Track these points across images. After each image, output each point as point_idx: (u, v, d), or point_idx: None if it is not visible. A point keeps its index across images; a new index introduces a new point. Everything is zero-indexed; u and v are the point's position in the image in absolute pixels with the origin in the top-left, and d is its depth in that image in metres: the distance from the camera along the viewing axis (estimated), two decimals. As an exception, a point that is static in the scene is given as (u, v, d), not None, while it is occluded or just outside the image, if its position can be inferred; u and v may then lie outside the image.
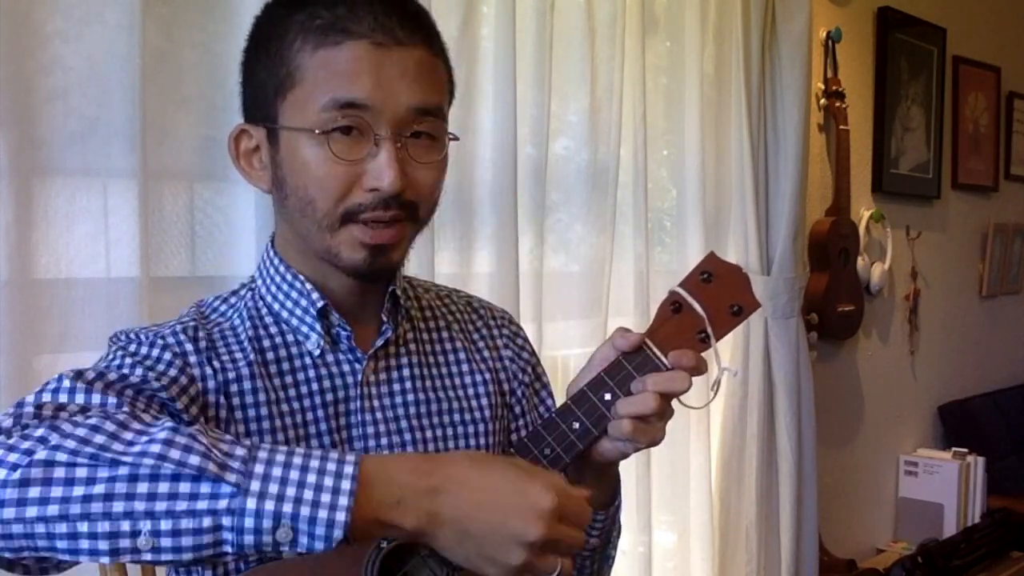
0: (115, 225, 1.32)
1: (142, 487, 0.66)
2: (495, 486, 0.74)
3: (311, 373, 0.93)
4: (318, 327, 0.93)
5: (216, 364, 0.90)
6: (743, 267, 0.95)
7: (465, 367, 1.03)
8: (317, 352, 0.94)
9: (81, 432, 0.69)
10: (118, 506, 0.66)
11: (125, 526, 0.66)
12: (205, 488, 0.67)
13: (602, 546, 1.01)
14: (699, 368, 0.89)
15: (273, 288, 0.95)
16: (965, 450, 3.10)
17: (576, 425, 0.89)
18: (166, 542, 0.66)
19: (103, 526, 0.66)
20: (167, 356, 0.87)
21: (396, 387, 0.97)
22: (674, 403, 0.90)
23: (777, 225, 2.40)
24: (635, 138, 2.05)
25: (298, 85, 0.87)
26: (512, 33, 1.75)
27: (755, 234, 2.34)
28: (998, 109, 3.57)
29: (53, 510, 0.66)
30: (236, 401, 0.89)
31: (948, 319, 3.40)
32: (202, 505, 0.67)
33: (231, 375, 0.90)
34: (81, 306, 1.28)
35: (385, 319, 0.96)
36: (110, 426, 0.70)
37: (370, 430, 0.94)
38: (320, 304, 0.93)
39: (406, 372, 0.98)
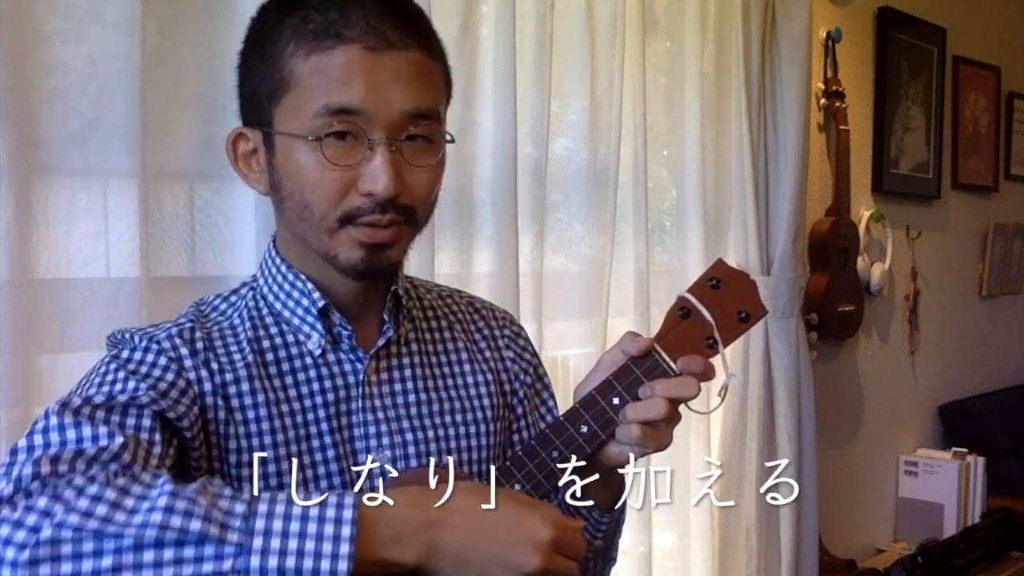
0: (115, 225, 1.32)
1: (148, 555, 0.68)
2: (494, 517, 0.76)
3: (312, 373, 0.93)
4: (319, 327, 0.93)
5: (214, 366, 0.90)
6: (742, 268, 0.95)
7: (467, 367, 1.03)
8: (318, 352, 0.94)
9: (83, 504, 0.69)
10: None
11: None
12: (209, 550, 0.68)
13: (605, 548, 1.02)
14: (708, 374, 0.89)
15: (275, 287, 0.96)
16: (965, 450, 3.10)
17: (584, 428, 0.89)
18: None
19: None
20: (162, 361, 0.87)
21: (398, 387, 0.97)
22: (680, 407, 0.90)
23: (777, 225, 2.40)
24: (635, 138, 2.05)
25: (291, 90, 0.87)
26: (512, 33, 1.75)
27: (755, 234, 2.34)
28: (998, 109, 3.57)
29: None
30: (235, 403, 0.89)
31: (948, 319, 3.40)
32: (208, 568, 0.68)
33: (228, 376, 0.90)
34: (81, 306, 1.28)
35: (387, 319, 0.96)
36: (111, 494, 0.70)
37: (371, 430, 0.94)
38: (321, 304, 0.93)
39: (408, 372, 0.98)
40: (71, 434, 0.76)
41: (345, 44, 0.85)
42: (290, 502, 0.71)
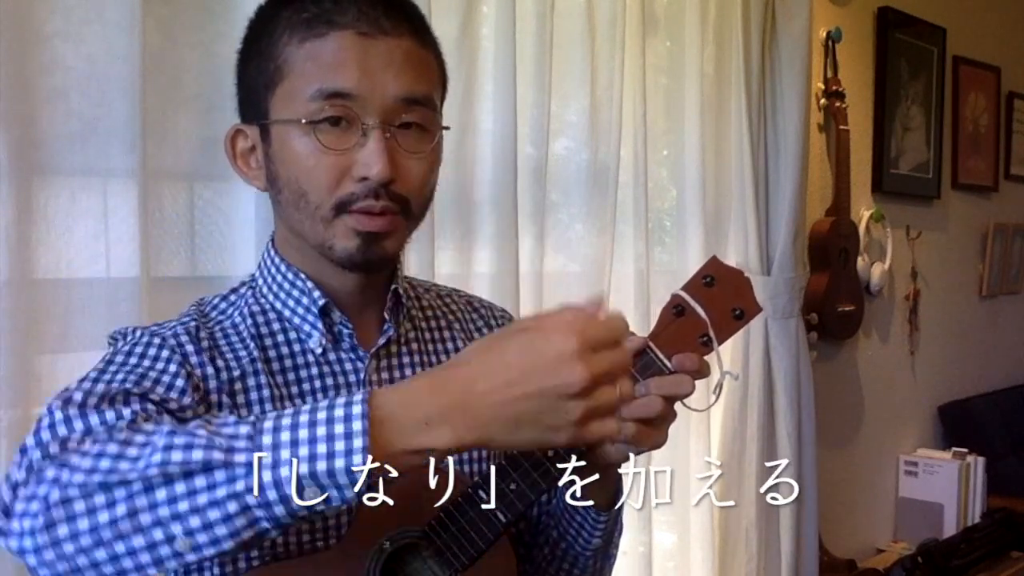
0: (115, 225, 1.32)
1: (160, 494, 0.67)
2: (515, 359, 0.70)
3: (314, 371, 0.93)
4: (320, 325, 0.93)
5: (219, 363, 0.90)
6: (742, 268, 0.95)
7: (466, 366, 1.03)
8: (319, 350, 0.94)
9: (87, 463, 0.69)
10: (145, 518, 0.67)
11: (158, 535, 0.67)
12: (220, 476, 0.67)
13: (604, 546, 1.01)
14: (702, 371, 0.89)
15: (275, 287, 0.95)
16: (965, 450, 3.10)
17: None
18: (202, 538, 0.67)
19: (138, 541, 0.67)
20: (164, 354, 0.87)
21: (399, 387, 0.97)
22: (676, 406, 0.90)
23: (777, 225, 2.40)
24: (635, 138, 2.04)
25: (286, 78, 0.88)
26: (512, 33, 1.75)
27: (755, 234, 2.34)
28: (998, 109, 3.57)
29: (87, 540, 0.67)
30: (241, 399, 0.89)
31: (948, 319, 3.40)
32: (222, 492, 0.67)
33: (235, 372, 0.90)
34: (81, 306, 1.28)
35: (387, 317, 0.96)
36: (113, 448, 0.70)
37: (373, 429, 0.94)
38: (321, 302, 0.93)
39: (408, 372, 0.98)
40: (78, 424, 0.75)
41: (338, 30, 0.86)
42: (298, 412, 0.69)
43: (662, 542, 2.26)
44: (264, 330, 0.94)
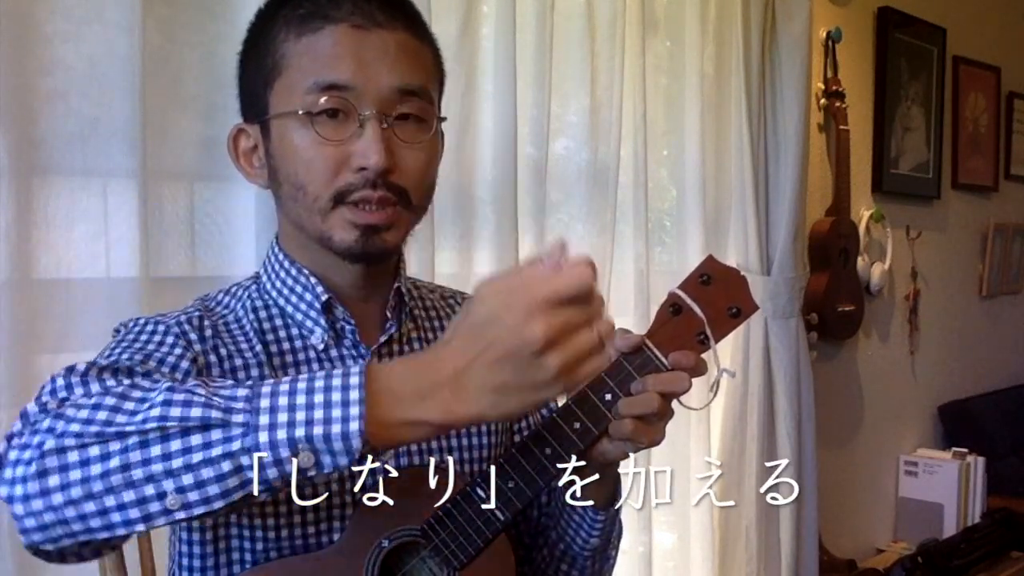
0: (115, 225, 1.33)
1: (155, 450, 0.67)
2: (481, 330, 0.71)
3: (315, 366, 0.94)
4: (322, 321, 0.94)
5: (222, 352, 0.91)
6: (743, 268, 0.95)
7: (469, 367, 1.03)
8: (321, 346, 0.94)
9: (84, 414, 0.69)
10: (137, 473, 0.67)
11: (150, 490, 0.67)
12: (216, 435, 0.67)
13: (603, 547, 1.01)
14: (699, 369, 0.89)
15: (278, 283, 0.96)
16: (965, 450, 3.10)
17: (577, 425, 0.89)
18: (193, 496, 0.67)
19: (129, 495, 0.67)
20: (169, 339, 0.88)
21: (400, 384, 0.97)
22: (674, 404, 0.91)
23: (777, 225, 2.40)
24: (635, 138, 2.05)
25: (284, 73, 0.89)
26: (512, 33, 1.75)
27: (755, 234, 2.34)
28: (998, 109, 3.57)
29: (77, 492, 0.67)
30: None
31: (948, 319, 3.40)
32: (217, 452, 0.67)
33: (237, 362, 0.91)
34: (81, 306, 1.28)
35: (389, 316, 0.96)
36: (111, 400, 0.70)
37: (373, 427, 0.94)
38: (324, 298, 0.93)
39: (409, 370, 0.98)
40: (79, 389, 0.75)
41: (333, 24, 0.88)
42: (295, 380, 0.70)
43: (662, 542, 2.26)
44: (267, 325, 0.95)
